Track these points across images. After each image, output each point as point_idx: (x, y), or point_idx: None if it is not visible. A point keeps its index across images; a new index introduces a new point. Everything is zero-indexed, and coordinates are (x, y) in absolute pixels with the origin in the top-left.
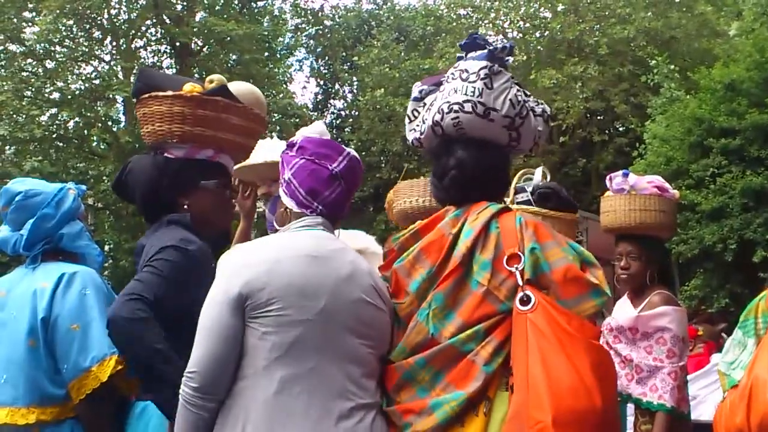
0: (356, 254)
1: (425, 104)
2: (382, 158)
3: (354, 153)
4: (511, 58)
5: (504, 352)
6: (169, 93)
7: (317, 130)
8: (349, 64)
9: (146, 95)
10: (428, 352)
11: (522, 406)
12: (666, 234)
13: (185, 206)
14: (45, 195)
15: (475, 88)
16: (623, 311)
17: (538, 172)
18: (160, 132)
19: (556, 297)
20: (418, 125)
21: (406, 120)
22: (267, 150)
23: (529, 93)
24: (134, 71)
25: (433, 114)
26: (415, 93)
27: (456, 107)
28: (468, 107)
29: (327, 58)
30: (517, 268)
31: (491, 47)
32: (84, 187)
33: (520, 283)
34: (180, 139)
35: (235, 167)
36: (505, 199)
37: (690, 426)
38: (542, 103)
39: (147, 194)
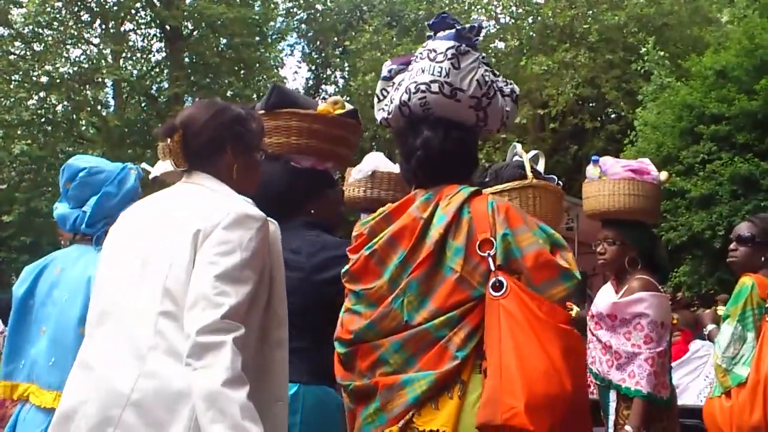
0: None
1: (394, 83)
2: (373, 143)
3: None
4: (479, 38)
5: (477, 336)
6: (310, 112)
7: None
8: (340, 48)
9: (284, 110)
10: (403, 335)
11: (495, 391)
12: (647, 218)
13: (311, 211)
14: (108, 173)
15: (442, 68)
16: (604, 297)
17: (521, 150)
18: (294, 144)
19: (527, 282)
20: (386, 105)
21: (375, 99)
22: None
23: (498, 73)
24: (123, 54)
25: (401, 94)
26: (384, 72)
27: (423, 87)
28: (435, 87)
29: (318, 42)
30: (489, 254)
31: (459, 27)
32: (142, 167)
33: (492, 268)
34: (310, 152)
35: (164, 171)
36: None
37: (672, 412)
38: (511, 83)
39: (277, 198)
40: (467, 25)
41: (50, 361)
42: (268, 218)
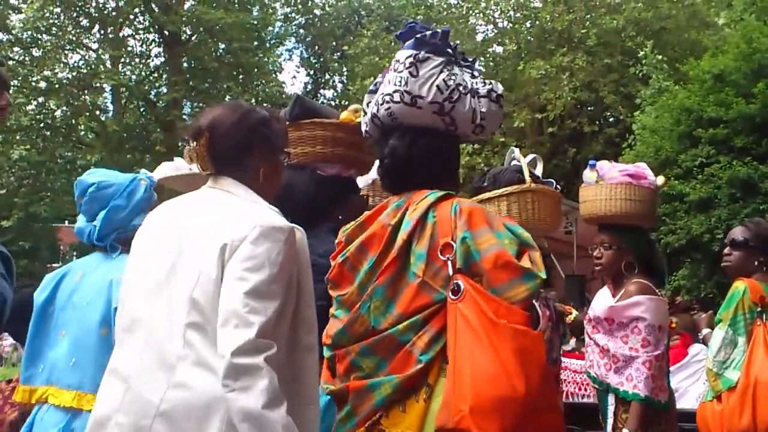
0: None
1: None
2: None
3: None
4: (450, 43)
5: (442, 340)
6: (334, 121)
7: None
8: (339, 53)
9: (308, 120)
10: (371, 341)
11: (449, 394)
12: (643, 222)
13: (339, 217)
14: (117, 186)
15: (401, 77)
16: (601, 301)
17: (518, 154)
18: (320, 153)
19: (488, 284)
20: (366, 117)
21: (362, 113)
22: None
23: (477, 74)
24: (122, 59)
25: (372, 106)
26: (372, 87)
27: (387, 98)
28: (397, 97)
29: (317, 47)
30: (448, 258)
31: (420, 35)
32: (154, 178)
33: (450, 273)
34: (335, 160)
35: (163, 176)
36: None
37: (671, 415)
38: (490, 83)
39: (304, 206)
40: (428, 32)
41: (71, 361)
42: (294, 226)
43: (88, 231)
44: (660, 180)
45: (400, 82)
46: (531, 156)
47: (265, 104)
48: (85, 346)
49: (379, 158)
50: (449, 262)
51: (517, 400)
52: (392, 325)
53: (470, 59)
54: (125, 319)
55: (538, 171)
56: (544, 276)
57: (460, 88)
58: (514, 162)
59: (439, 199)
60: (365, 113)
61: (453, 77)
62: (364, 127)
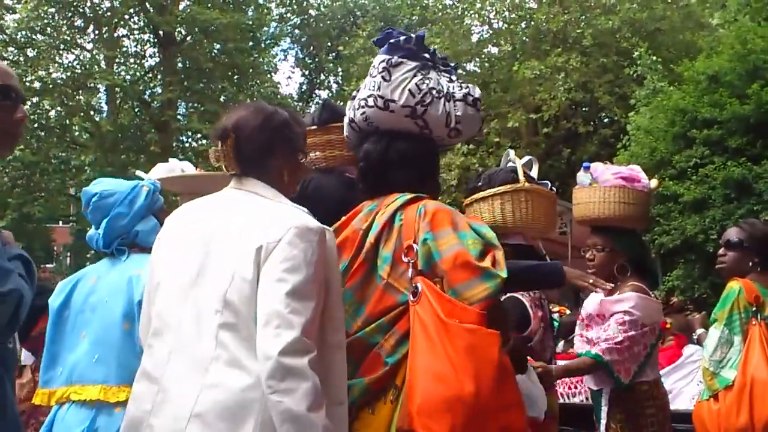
0: None
1: None
2: None
3: None
4: (416, 47)
5: (408, 342)
6: None
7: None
8: (334, 53)
9: (336, 125)
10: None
11: (405, 396)
12: (636, 225)
13: None
14: (119, 195)
15: (375, 82)
16: (593, 300)
17: (514, 156)
18: (347, 156)
19: (448, 284)
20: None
21: (345, 119)
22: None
23: (455, 78)
24: (117, 60)
25: (349, 111)
26: (354, 93)
27: (363, 102)
28: (371, 101)
29: (312, 47)
30: (410, 260)
31: (394, 40)
32: (158, 183)
33: (410, 275)
34: None
35: (162, 178)
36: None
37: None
38: (467, 87)
39: (333, 209)
40: (402, 37)
41: (93, 358)
42: (325, 227)
43: (96, 239)
44: (653, 183)
45: (374, 86)
46: (527, 158)
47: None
48: (107, 341)
49: (355, 162)
50: (411, 264)
51: (466, 400)
52: (361, 328)
53: (451, 64)
54: (154, 322)
55: (534, 173)
56: (505, 275)
57: (434, 92)
58: (510, 164)
59: (408, 202)
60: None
61: (426, 81)
62: (345, 132)
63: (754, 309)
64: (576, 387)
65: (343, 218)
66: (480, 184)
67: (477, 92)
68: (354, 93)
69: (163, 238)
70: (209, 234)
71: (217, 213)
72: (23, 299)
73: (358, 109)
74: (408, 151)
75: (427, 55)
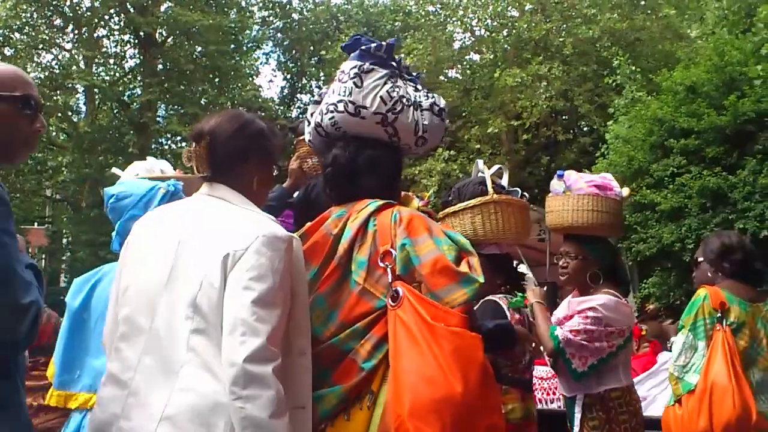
0: None
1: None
2: None
3: None
4: (386, 55)
5: (385, 347)
6: None
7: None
8: (316, 58)
9: None
10: (314, 351)
11: (390, 400)
12: (609, 233)
13: None
14: (134, 197)
15: (346, 87)
16: (564, 304)
17: (483, 166)
18: None
19: (427, 289)
20: (309, 127)
21: (305, 123)
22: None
23: (421, 87)
24: (96, 60)
25: (316, 115)
26: (316, 96)
27: (332, 107)
28: (341, 107)
29: (294, 51)
30: (388, 265)
31: (365, 46)
32: (180, 184)
33: (390, 279)
34: None
35: (134, 177)
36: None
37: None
38: (434, 97)
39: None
40: (373, 45)
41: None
42: (293, 235)
43: (113, 240)
44: (625, 191)
45: (345, 92)
46: (496, 167)
47: (241, 108)
48: None
49: (322, 168)
50: (389, 269)
51: (455, 400)
52: (334, 335)
53: (414, 74)
54: (122, 326)
55: (504, 181)
56: (482, 280)
57: (404, 100)
58: (480, 174)
59: (380, 208)
60: (309, 123)
61: (397, 89)
62: (307, 137)
63: (718, 315)
64: (554, 393)
65: (309, 224)
66: (450, 198)
67: (442, 102)
68: (317, 98)
69: (131, 242)
70: (179, 240)
71: (187, 219)
72: (41, 310)
73: (326, 113)
74: (377, 157)
75: (394, 64)
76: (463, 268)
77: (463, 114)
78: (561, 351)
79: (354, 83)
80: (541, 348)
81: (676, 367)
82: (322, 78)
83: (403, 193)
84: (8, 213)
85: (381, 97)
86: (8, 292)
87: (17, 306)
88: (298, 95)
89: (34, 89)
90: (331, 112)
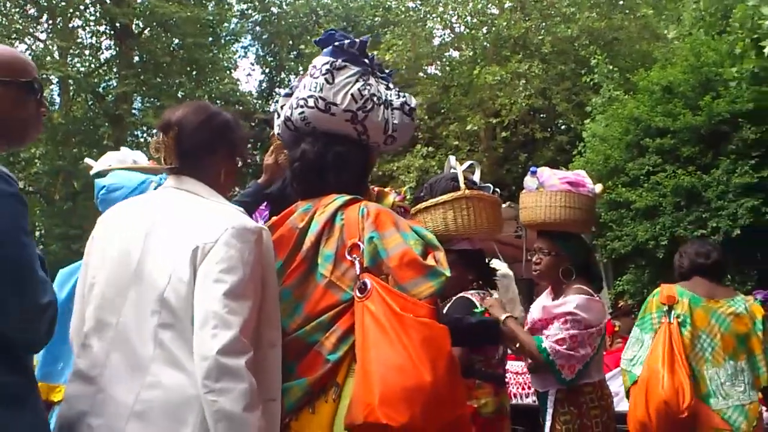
0: None
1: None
2: None
3: None
4: (359, 52)
5: (351, 339)
6: None
7: None
8: (295, 52)
9: None
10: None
11: (357, 390)
12: (582, 229)
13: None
14: (125, 189)
15: (317, 83)
16: (538, 305)
17: (455, 162)
18: None
19: (394, 282)
20: (278, 120)
21: (275, 116)
22: None
23: (393, 86)
24: (71, 51)
25: (286, 109)
26: (287, 90)
27: (302, 102)
28: (311, 102)
29: (273, 45)
30: (356, 258)
31: (338, 42)
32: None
33: (358, 271)
34: None
35: (106, 167)
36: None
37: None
38: (404, 96)
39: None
40: (347, 41)
41: None
42: (263, 227)
43: None
44: (598, 188)
45: (316, 87)
46: (468, 163)
47: (218, 101)
48: None
49: (289, 162)
50: (357, 262)
51: (425, 388)
52: (300, 327)
53: (386, 71)
54: (89, 322)
55: (476, 177)
56: (448, 274)
57: (375, 99)
58: (452, 170)
59: (347, 203)
60: (278, 116)
61: (368, 87)
62: (276, 130)
63: (666, 308)
64: (529, 388)
65: (275, 217)
66: (423, 194)
67: (413, 102)
68: (288, 91)
69: (96, 237)
70: (146, 233)
71: (155, 212)
72: (57, 309)
73: (296, 108)
74: (345, 154)
75: (367, 61)
76: (430, 261)
77: (442, 111)
78: (551, 363)
79: (326, 79)
80: (529, 360)
81: (624, 361)
82: (301, 72)
83: (379, 188)
84: (26, 213)
85: (352, 94)
86: (27, 292)
87: (37, 306)
88: (277, 89)
89: (37, 72)
90: (302, 107)
